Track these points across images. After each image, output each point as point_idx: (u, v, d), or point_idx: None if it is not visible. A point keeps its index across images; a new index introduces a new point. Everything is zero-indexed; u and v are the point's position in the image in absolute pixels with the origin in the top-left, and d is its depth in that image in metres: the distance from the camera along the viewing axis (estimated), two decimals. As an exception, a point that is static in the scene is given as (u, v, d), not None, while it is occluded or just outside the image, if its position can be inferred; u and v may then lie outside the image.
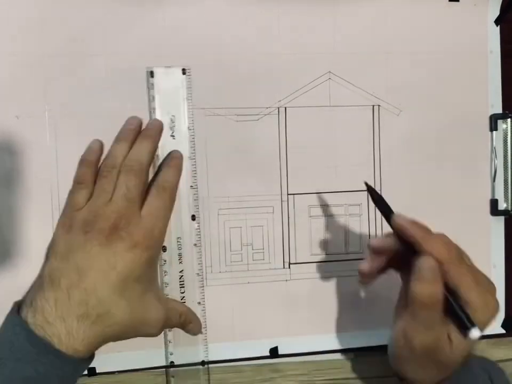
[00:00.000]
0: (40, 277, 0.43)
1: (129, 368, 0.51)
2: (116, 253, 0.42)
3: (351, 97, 0.53)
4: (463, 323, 0.41)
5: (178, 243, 0.50)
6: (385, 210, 0.45)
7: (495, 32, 0.55)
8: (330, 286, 0.54)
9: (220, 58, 0.50)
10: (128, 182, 0.44)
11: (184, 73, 0.50)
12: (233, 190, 0.51)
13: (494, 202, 0.56)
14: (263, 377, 0.53)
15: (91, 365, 0.47)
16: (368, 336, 0.55)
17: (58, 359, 0.40)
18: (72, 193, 0.45)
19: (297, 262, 0.53)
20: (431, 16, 0.54)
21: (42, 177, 0.48)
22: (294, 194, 0.53)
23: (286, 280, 0.53)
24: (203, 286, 0.51)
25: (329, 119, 0.53)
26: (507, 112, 0.55)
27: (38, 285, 0.42)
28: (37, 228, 0.48)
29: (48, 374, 0.40)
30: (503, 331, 0.57)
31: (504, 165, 0.56)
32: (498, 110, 0.56)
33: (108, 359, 0.49)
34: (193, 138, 0.50)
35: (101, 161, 0.45)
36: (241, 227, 0.52)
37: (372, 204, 0.54)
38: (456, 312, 0.42)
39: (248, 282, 0.52)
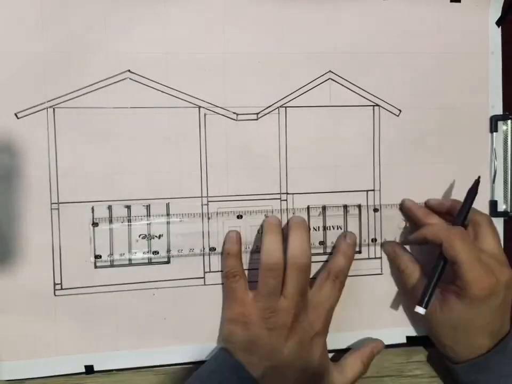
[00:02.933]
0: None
1: (127, 367, 0.51)
2: (302, 344, 0.47)
3: (351, 97, 0.53)
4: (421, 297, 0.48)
5: None
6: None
7: (496, 33, 0.55)
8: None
9: (219, 58, 0.50)
10: (301, 279, 0.47)
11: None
12: (233, 190, 0.51)
13: (493, 204, 0.56)
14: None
15: (88, 363, 0.48)
16: (367, 336, 0.55)
17: None
18: (231, 288, 0.49)
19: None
20: (432, 17, 0.54)
21: (41, 176, 0.48)
22: (293, 194, 0.53)
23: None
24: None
25: (329, 119, 0.53)
26: (507, 113, 0.55)
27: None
28: (36, 226, 0.48)
29: None
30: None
31: (504, 166, 0.56)
32: (499, 111, 0.55)
33: (106, 357, 0.49)
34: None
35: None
36: (240, 226, 0.52)
37: (371, 204, 0.54)
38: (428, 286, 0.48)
39: (249, 281, 0.52)
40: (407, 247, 0.54)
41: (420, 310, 0.48)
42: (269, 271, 0.47)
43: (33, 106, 0.47)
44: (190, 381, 0.47)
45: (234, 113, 0.51)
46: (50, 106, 0.48)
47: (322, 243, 0.53)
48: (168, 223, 0.50)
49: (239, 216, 0.51)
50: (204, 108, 0.50)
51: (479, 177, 0.52)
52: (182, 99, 0.50)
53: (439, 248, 0.49)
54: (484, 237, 0.50)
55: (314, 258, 0.53)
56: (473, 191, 0.51)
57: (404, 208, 0.54)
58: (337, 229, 0.53)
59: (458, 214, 0.51)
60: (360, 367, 0.51)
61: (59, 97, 0.48)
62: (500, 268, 0.48)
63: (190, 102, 0.50)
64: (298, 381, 0.47)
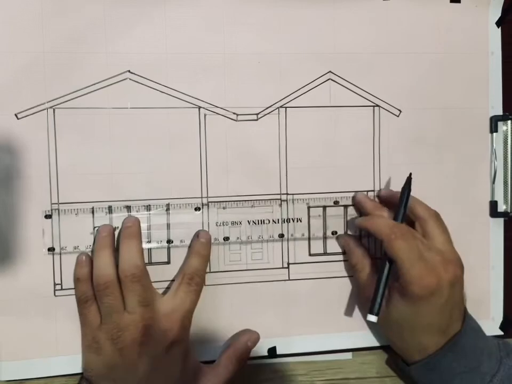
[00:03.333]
0: None
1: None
2: (157, 356, 0.45)
3: (351, 98, 0.53)
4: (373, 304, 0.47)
5: None
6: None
7: (496, 34, 0.55)
8: (329, 286, 0.54)
9: (219, 58, 0.50)
10: (138, 290, 0.45)
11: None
12: (233, 190, 0.51)
13: (493, 204, 0.56)
14: (262, 377, 0.53)
15: None
16: (367, 336, 0.55)
17: None
18: (83, 314, 0.47)
19: (296, 262, 0.53)
20: (432, 17, 0.54)
21: (41, 176, 0.48)
22: (293, 194, 0.53)
23: (285, 280, 0.53)
24: None
25: (329, 119, 0.53)
26: (507, 114, 0.55)
27: None
28: (36, 226, 0.48)
29: None
30: (501, 333, 0.57)
31: (504, 167, 0.56)
32: (499, 111, 0.55)
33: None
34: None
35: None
36: (240, 226, 0.52)
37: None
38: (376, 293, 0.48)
39: (247, 282, 0.52)
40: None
41: (372, 318, 0.47)
42: (102, 291, 0.45)
43: (34, 107, 0.47)
44: None
45: (234, 113, 0.51)
46: (50, 107, 0.48)
47: (322, 243, 0.53)
48: (168, 225, 0.50)
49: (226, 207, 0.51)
50: (204, 108, 0.50)
51: (410, 174, 0.51)
52: (182, 99, 0.50)
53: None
54: (432, 233, 0.49)
55: (316, 258, 0.53)
56: (406, 189, 0.50)
57: (355, 201, 0.53)
58: (337, 229, 0.53)
59: (396, 212, 0.50)
60: (235, 365, 0.49)
61: (59, 97, 0.48)
62: (445, 265, 0.47)
63: (190, 103, 0.50)
64: None
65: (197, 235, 0.50)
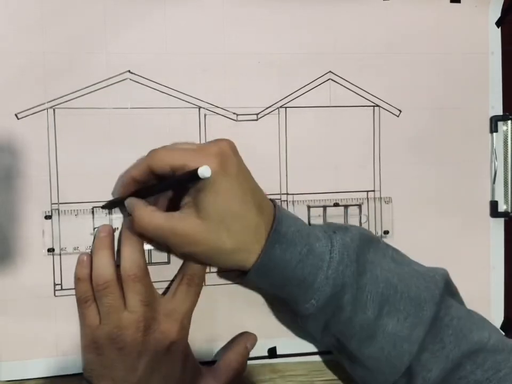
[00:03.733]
0: None
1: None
2: (157, 356, 0.45)
3: (351, 98, 0.53)
4: (190, 176, 0.40)
5: None
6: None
7: (496, 34, 0.55)
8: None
9: (219, 58, 0.50)
10: (139, 290, 0.45)
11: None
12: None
13: (494, 204, 0.56)
14: (262, 377, 0.53)
15: None
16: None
17: None
18: (83, 314, 0.47)
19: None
20: (432, 17, 0.54)
21: (41, 176, 0.48)
22: (293, 194, 0.53)
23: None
24: None
25: (329, 119, 0.53)
26: (507, 114, 0.55)
27: None
28: (36, 226, 0.48)
29: None
30: (502, 333, 0.57)
31: (504, 166, 0.56)
32: (499, 111, 0.55)
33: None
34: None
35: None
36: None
37: (371, 204, 0.54)
38: (179, 177, 0.42)
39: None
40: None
41: (202, 169, 0.39)
42: (101, 291, 0.45)
43: (34, 107, 0.47)
44: None
45: (234, 113, 0.51)
46: (50, 107, 0.48)
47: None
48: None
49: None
50: (204, 108, 0.50)
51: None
52: (182, 99, 0.50)
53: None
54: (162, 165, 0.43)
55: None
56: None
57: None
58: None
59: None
60: (234, 369, 0.49)
61: (59, 97, 0.48)
62: (213, 141, 0.44)
63: (190, 103, 0.50)
64: None
65: None
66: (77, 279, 0.47)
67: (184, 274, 0.47)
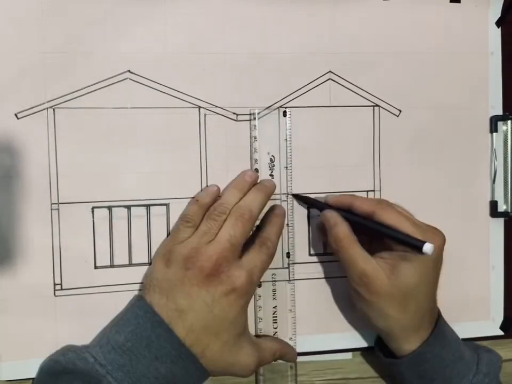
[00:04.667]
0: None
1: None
2: (214, 296, 0.44)
3: (351, 98, 0.53)
4: (413, 244, 0.44)
5: (273, 279, 0.52)
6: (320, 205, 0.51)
7: (496, 33, 0.55)
8: (330, 286, 0.54)
9: (219, 58, 0.50)
10: (235, 228, 0.46)
11: (285, 115, 0.51)
12: (233, 190, 0.51)
13: (493, 204, 0.56)
14: (262, 377, 0.53)
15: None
16: (367, 336, 0.55)
17: (193, 365, 0.44)
18: (178, 229, 0.48)
19: (297, 262, 0.53)
20: (432, 17, 0.54)
21: (41, 176, 0.48)
22: (293, 194, 0.52)
23: (286, 280, 0.53)
24: (295, 322, 0.53)
25: (329, 120, 0.53)
26: (507, 113, 0.55)
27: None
28: (36, 226, 0.48)
29: (180, 377, 0.44)
30: (502, 333, 0.57)
31: (504, 166, 0.56)
32: (499, 111, 0.55)
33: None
34: (291, 178, 0.52)
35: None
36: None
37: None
38: (405, 239, 0.45)
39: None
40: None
41: (429, 247, 0.43)
42: (215, 214, 0.47)
43: (34, 107, 0.47)
44: (106, 328, 0.47)
45: (234, 113, 0.51)
46: (50, 107, 0.48)
47: (323, 243, 0.53)
48: (168, 225, 0.50)
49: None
50: (204, 108, 0.50)
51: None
52: (182, 99, 0.50)
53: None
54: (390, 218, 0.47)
55: (316, 258, 0.53)
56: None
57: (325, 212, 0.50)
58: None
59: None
60: (271, 355, 0.50)
61: (59, 97, 0.48)
62: (436, 229, 0.48)
63: (190, 102, 0.50)
64: (205, 333, 0.44)
65: (272, 209, 0.51)
66: (196, 201, 0.48)
67: (258, 237, 0.48)
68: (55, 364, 0.45)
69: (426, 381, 0.49)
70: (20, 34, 0.47)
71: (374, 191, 0.54)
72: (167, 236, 0.50)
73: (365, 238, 0.49)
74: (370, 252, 0.48)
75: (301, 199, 0.52)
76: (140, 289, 0.50)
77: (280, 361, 0.52)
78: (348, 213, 0.49)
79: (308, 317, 0.53)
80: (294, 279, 0.53)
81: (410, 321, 0.48)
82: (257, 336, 0.52)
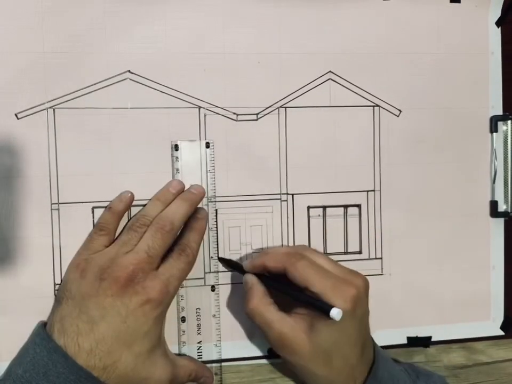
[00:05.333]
0: (52, 319, 0.44)
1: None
2: (129, 306, 0.43)
3: (351, 98, 0.53)
4: (322, 308, 0.43)
5: (197, 314, 0.51)
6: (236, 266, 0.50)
7: (496, 34, 0.55)
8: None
9: (219, 58, 0.50)
10: (154, 240, 0.45)
11: (207, 146, 0.51)
12: (233, 190, 0.51)
13: (493, 204, 0.56)
14: (262, 377, 0.53)
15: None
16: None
17: None
18: (91, 238, 0.47)
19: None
20: (432, 17, 0.54)
21: (42, 176, 0.48)
22: (293, 194, 0.53)
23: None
24: (221, 357, 0.52)
25: (329, 120, 0.53)
26: (507, 113, 0.55)
27: (52, 325, 0.44)
28: (36, 226, 0.48)
29: None
30: (502, 333, 0.57)
31: (504, 166, 0.56)
32: (499, 111, 0.55)
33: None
34: (215, 210, 0.51)
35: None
36: (240, 226, 0.52)
37: (371, 205, 0.54)
38: (313, 303, 0.44)
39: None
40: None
41: (336, 312, 0.42)
42: (136, 226, 0.46)
43: (34, 107, 0.47)
44: (12, 360, 0.45)
45: (234, 113, 0.51)
46: (50, 107, 0.48)
47: (322, 243, 0.53)
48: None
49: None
50: (204, 108, 0.50)
51: None
52: (182, 99, 0.50)
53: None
54: (316, 260, 0.47)
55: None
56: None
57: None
58: (337, 229, 0.53)
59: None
60: (186, 375, 0.48)
61: (59, 97, 0.48)
62: (352, 276, 0.46)
63: (190, 103, 0.50)
64: (118, 345, 0.43)
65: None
66: (109, 208, 0.48)
67: (177, 244, 0.47)
68: None
69: None
70: (20, 34, 0.47)
71: (374, 191, 0.54)
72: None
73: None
74: (291, 306, 0.46)
75: (225, 262, 0.51)
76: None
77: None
78: (264, 276, 0.48)
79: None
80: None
81: (338, 376, 0.46)
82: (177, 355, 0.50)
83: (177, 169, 0.50)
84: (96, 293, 0.43)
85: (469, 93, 0.55)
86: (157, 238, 0.45)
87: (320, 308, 0.43)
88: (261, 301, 0.46)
